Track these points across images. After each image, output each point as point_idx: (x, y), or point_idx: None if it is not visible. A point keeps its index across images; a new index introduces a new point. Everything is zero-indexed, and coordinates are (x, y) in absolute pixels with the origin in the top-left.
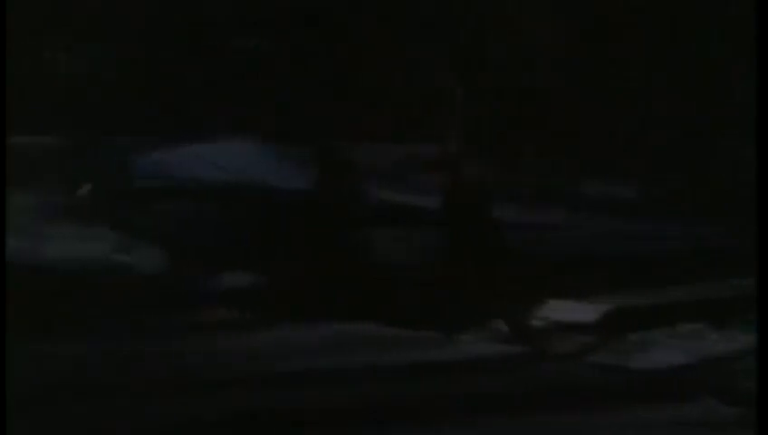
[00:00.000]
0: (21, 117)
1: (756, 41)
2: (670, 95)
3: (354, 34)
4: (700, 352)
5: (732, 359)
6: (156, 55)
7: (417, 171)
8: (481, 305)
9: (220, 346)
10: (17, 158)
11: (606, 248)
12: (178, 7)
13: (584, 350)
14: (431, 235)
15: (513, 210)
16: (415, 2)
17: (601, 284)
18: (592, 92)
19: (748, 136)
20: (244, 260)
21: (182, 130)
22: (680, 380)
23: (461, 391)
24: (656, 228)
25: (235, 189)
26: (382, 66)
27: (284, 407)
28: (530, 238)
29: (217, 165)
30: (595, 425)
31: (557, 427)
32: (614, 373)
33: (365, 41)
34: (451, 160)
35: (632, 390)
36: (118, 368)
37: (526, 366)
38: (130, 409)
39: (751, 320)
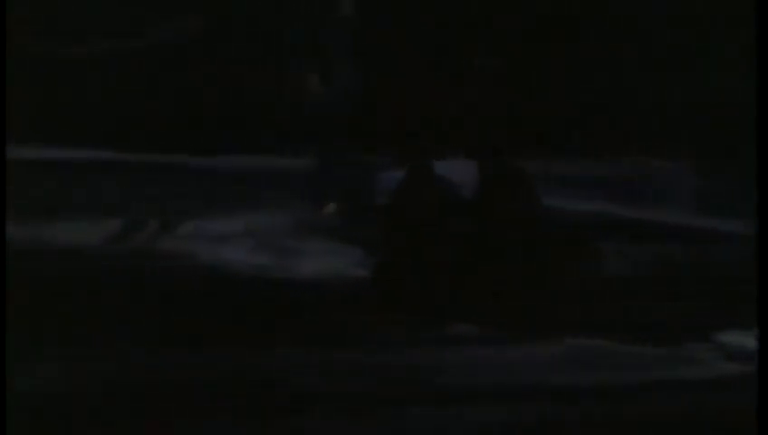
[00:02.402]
0: (270, 139)
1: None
2: None
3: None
4: None
5: None
6: (391, 75)
7: (639, 184)
8: (706, 319)
9: (455, 360)
10: (271, 179)
11: None
12: (412, 31)
13: None
14: (653, 247)
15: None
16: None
17: None
18: None
19: None
20: (479, 276)
21: (417, 148)
22: None
23: (699, 411)
24: None
25: (468, 206)
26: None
27: (519, 422)
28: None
29: (449, 181)
30: None
31: None
32: None
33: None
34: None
35: None
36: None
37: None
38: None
39: None
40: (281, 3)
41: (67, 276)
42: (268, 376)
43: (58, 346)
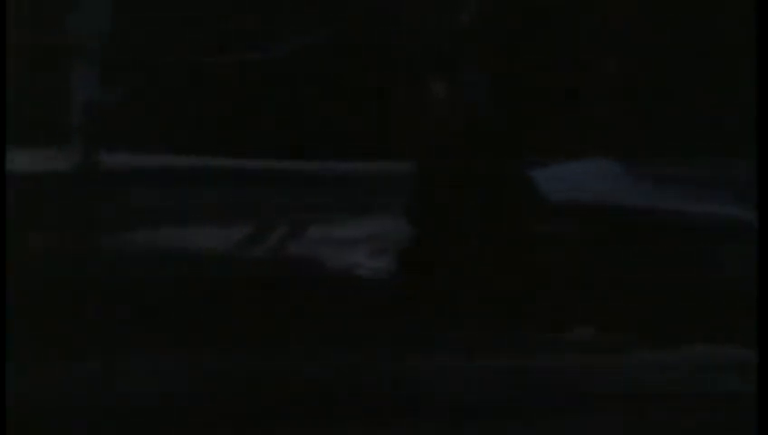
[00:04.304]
0: (393, 145)
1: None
2: None
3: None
4: None
5: None
6: (512, 82)
7: (737, 184)
8: None
9: (583, 366)
10: (393, 184)
11: None
12: (531, 33)
13: None
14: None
15: None
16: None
17: None
18: None
19: None
20: (596, 280)
21: (544, 151)
22: None
23: None
24: None
25: (596, 210)
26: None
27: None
28: None
29: (577, 185)
30: None
31: None
32: None
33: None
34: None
35: None
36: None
37: None
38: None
39: None
40: (406, 11)
41: (198, 281)
42: (388, 378)
43: (191, 349)
